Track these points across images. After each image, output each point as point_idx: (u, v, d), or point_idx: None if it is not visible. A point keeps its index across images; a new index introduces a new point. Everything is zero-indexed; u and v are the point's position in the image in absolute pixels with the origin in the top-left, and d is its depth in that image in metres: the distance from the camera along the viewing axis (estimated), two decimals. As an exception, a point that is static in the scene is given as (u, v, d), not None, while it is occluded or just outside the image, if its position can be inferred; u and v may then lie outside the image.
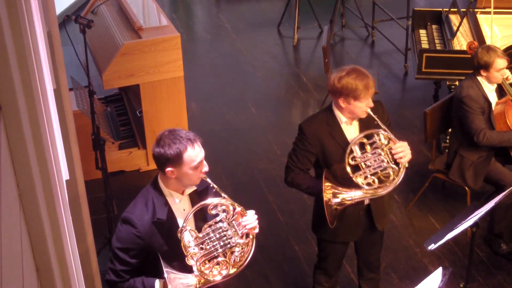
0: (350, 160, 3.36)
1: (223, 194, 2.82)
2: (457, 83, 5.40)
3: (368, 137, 3.38)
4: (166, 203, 2.84)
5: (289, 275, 4.56)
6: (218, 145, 5.90)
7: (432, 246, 3.50)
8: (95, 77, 5.53)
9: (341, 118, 3.43)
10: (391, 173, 3.35)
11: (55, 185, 1.76)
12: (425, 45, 5.86)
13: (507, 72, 4.41)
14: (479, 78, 4.39)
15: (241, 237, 2.84)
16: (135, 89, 5.58)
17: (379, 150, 3.36)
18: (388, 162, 3.35)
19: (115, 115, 4.88)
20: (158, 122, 5.41)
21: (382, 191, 3.37)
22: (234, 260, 2.84)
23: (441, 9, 6.12)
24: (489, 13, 5.58)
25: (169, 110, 5.43)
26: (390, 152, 3.36)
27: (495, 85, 4.45)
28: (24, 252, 1.59)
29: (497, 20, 5.74)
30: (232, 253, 2.84)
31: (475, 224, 3.62)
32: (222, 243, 2.81)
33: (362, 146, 3.39)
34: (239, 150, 5.87)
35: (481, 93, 4.36)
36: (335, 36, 7.81)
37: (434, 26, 6.09)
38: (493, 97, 4.47)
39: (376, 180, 3.37)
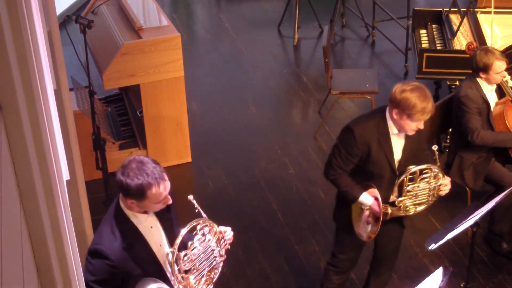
0: (405, 187, 3.53)
1: (204, 215, 2.82)
2: (457, 83, 5.40)
3: (421, 171, 3.53)
4: (132, 225, 2.76)
5: (289, 275, 4.56)
6: (218, 145, 5.90)
7: (432, 246, 3.50)
8: (95, 77, 5.53)
9: (392, 129, 3.43)
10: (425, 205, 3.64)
11: (55, 185, 1.75)
12: (425, 45, 5.86)
13: (506, 74, 4.40)
14: (478, 79, 4.38)
15: (221, 255, 2.91)
16: (136, 89, 5.57)
17: (427, 185, 3.55)
18: (430, 195, 3.60)
19: (115, 115, 4.89)
20: (158, 122, 5.41)
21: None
22: (214, 276, 2.90)
23: (441, 9, 6.12)
24: (489, 12, 5.58)
25: (169, 110, 5.43)
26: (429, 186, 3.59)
27: (495, 86, 4.45)
28: (25, 252, 1.59)
29: (498, 20, 5.74)
30: (215, 269, 2.89)
31: (476, 224, 3.62)
32: (209, 263, 2.85)
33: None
34: (239, 150, 5.87)
35: (479, 94, 4.36)
36: (336, 36, 7.81)
37: (434, 26, 6.09)
38: (492, 98, 4.47)
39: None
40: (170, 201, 2.73)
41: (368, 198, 3.50)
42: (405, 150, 3.50)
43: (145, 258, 2.75)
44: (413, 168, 3.47)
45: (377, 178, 3.51)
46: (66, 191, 2.23)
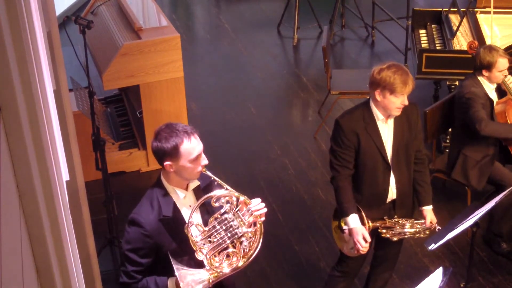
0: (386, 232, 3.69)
1: (225, 186, 2.81)
2: (457, 83, 5.40)
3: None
4: (171, 200, 2.84)
5: (289, 275, 4.56)
6: (218, 145, 5.90)
7: (432, 246, 3.50)
8: (95, 78, 5.53)
9: (378, 115, 3.46)
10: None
11: (55, 186, 1.75)
12: (425, 45, 5.86)
13: (507, 73, 4.40)
14: (479, 78, 4.38)
15: (248, 226, 2.83)
16: (135, 89, 5.57)
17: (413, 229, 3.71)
18: (413, 233, 3.71)
19: (115, 116, 4.88)
20: (158, 123, 5.36)
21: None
22: (244, 251, 2.83)
23: (441, 9, 6.12)
24: (489, 12, 5.58)
25: (169, 111, 5.43)
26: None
27: (495, 85, 4.45)
28: (24, 253, 1.59)
29: (497, 20, 5.74)
30: (241, 243, 2.83)
31: (476, 224, 3.62)
32: (229, 234, 2.80)
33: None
34: (239, 150, 5.87)
35: (482, 91, 4.35)
36: (335, 36, 7.81)
37: (434, 26, 6.09)
38: (493, 97, 4.47)
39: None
40: (206, 161, 2.81)
41: (354, 221, 3.54)
42: (395, 140, 3.51)
43: (180, 234, 2.79)
44: (400, 221, 3.65)
45: (371, 171, 3.53)
46: (66, 192, 2.23)
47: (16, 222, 1.55)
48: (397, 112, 3.41)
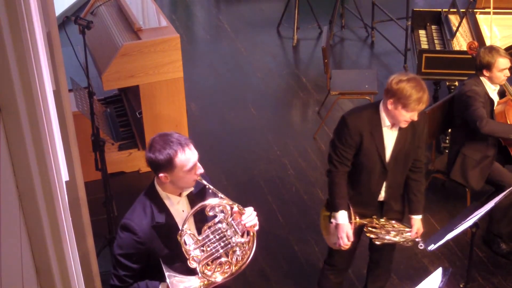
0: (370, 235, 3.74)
1: (220, 194, 2.80)
2: (456, 83, 5.40)
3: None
4: (164, 206, 2.83)
5: (288, 275, 4.56)
6: (218, 146, 5.91)
7: (432, 247, 3.51)
8: (94, 78, 5.53)
9: (385, 121, 3.46)
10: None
11: (54, 187, 1.75)
12: (424, 45, 5.86)
13: (509, 73, 4.40)
14: (481, 78, 4.38)
15: (241, 236, 2.84)
16: (135, 90, 5.57)
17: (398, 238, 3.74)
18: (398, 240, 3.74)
19: (114, 116, 4.89)
20: (157, 123, 5.41)
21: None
22: (236, 259, 2.84)
23: (440, 10, 6.12)
24: (488, 13, 5.58)
25: (168, 111, 5.43)
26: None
27: (498, 86, 4.44)
28: (24, 254, 1.59)
29: (497, 21, 5.74)
30: (234, 252, 2.84)
31: (475, 225, 3.63)
32: (222, 244, 2.81)
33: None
34: (239, 150, 5.87)
35: (483, 91, 4.35)
36: (335, 37, 7.81)
37: (433, 27, 6.09)
38: (495, 98, 4.46)
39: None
40: (201, 170, 2.78)
41: (343, 218, 3.58)
42: (396, 147, 3.51)
43: (172, 240, 2.78)
44: (387, 225, 3.68)
45: (368, 173, 3.55)
46: (66, 192, 2.23)
47: (16, 222, 1.55)
48: (404, 125, 3.41)
